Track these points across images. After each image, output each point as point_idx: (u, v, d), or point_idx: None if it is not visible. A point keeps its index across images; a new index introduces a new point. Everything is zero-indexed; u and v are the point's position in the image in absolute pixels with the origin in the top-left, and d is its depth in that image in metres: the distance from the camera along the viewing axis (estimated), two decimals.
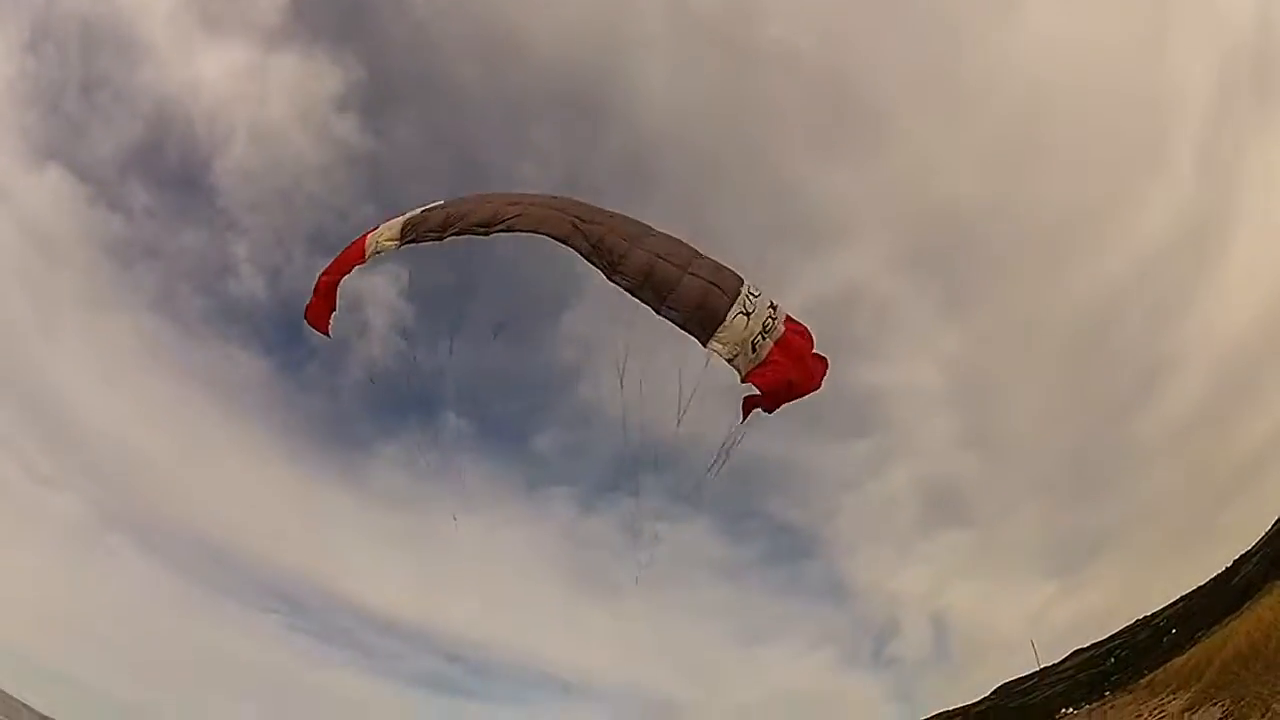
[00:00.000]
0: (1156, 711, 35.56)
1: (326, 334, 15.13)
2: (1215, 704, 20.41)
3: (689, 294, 13.47)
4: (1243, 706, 16.35)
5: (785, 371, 13.52)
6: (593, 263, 13.54)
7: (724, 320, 13.36)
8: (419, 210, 14.51)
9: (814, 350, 14.46)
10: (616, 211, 14.07)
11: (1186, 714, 24.56)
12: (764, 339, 13.50)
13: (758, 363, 13.42)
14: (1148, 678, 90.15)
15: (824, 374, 14.29)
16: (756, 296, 13.75)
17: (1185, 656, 60.45)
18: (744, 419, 13.84)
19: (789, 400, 13.82)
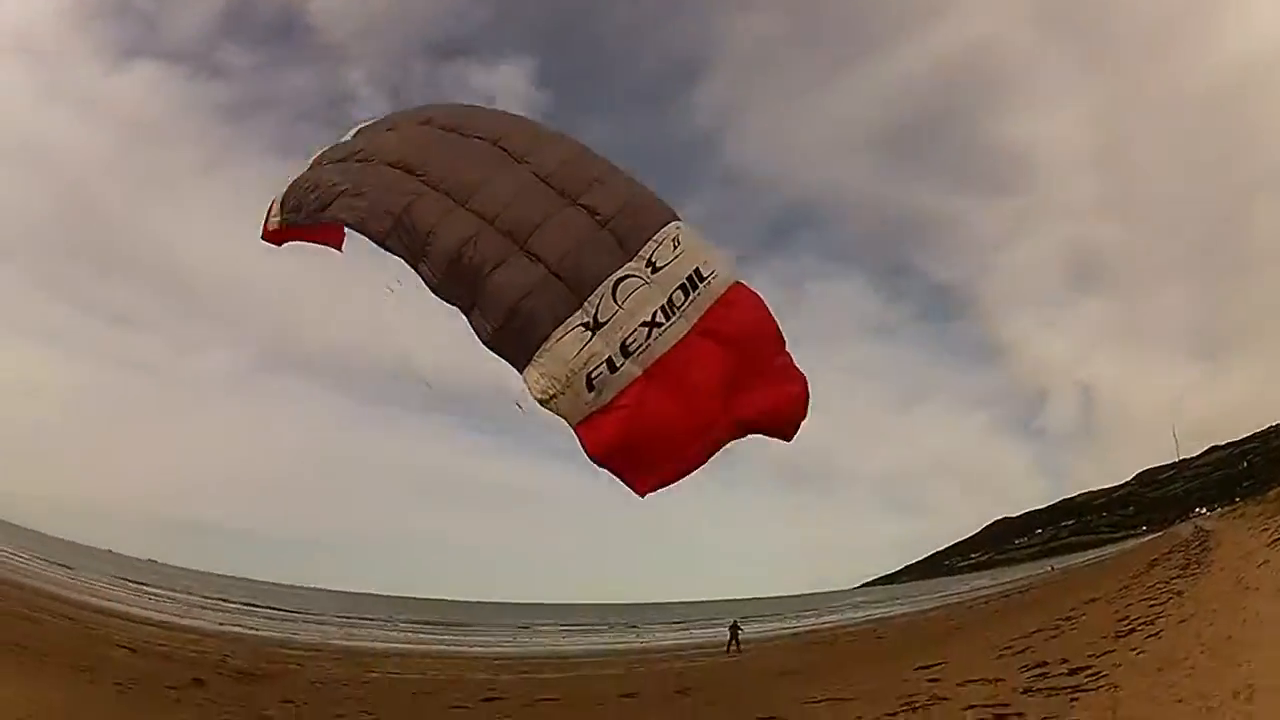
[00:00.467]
0: None
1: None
2: None
3: (502, 293, 7.00)
4: None
5: (628, 426, 6.83)
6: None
7: (546, 339, 6.85)
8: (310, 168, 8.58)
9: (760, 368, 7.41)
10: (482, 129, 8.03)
11: None
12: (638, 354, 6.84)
13: (595, 407, 6.81)
14: (1277, 490, 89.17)
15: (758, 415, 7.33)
16: (646, 276, 7.06)
17: None
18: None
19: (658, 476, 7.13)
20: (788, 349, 7.62)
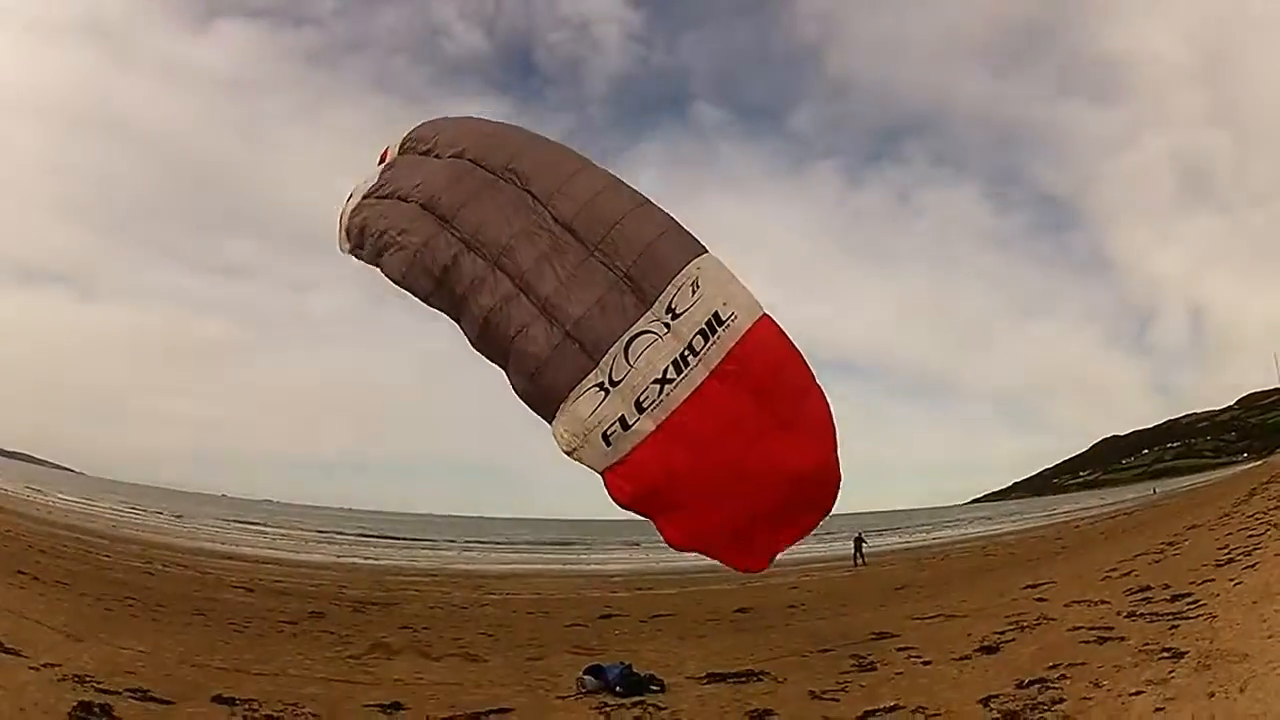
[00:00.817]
0: None
1: None
2: None
3: (523, 361, 7.11)
4: None
5: (645, 479, 6.71)
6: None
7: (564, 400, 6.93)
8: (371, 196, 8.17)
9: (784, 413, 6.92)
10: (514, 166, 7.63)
11: None
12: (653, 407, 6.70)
13: (613, 459, 6.78)
14: None
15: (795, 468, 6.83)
16: (665, 325, 6.86)
17: None
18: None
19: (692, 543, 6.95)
20: (816, 383, 7.15)
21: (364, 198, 8.08)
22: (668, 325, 6.84)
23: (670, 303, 6.86)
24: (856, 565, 46.78)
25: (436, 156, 7.96)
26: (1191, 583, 17.91)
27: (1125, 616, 15.43)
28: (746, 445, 6.75)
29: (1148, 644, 12.56)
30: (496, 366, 7.23)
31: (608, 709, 11.60)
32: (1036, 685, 11.22)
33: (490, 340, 7.15)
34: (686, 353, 6.77)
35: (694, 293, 6.88)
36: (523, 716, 11.11)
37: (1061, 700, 10.30)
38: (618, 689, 12.51)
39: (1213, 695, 9.15)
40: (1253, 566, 18.39)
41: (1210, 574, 18.69)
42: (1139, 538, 37.79)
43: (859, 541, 50.34)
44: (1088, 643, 13.27)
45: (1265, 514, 32.84)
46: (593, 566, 52.82)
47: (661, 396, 6.73)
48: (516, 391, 7.15)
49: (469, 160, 7.73)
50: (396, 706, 11.06)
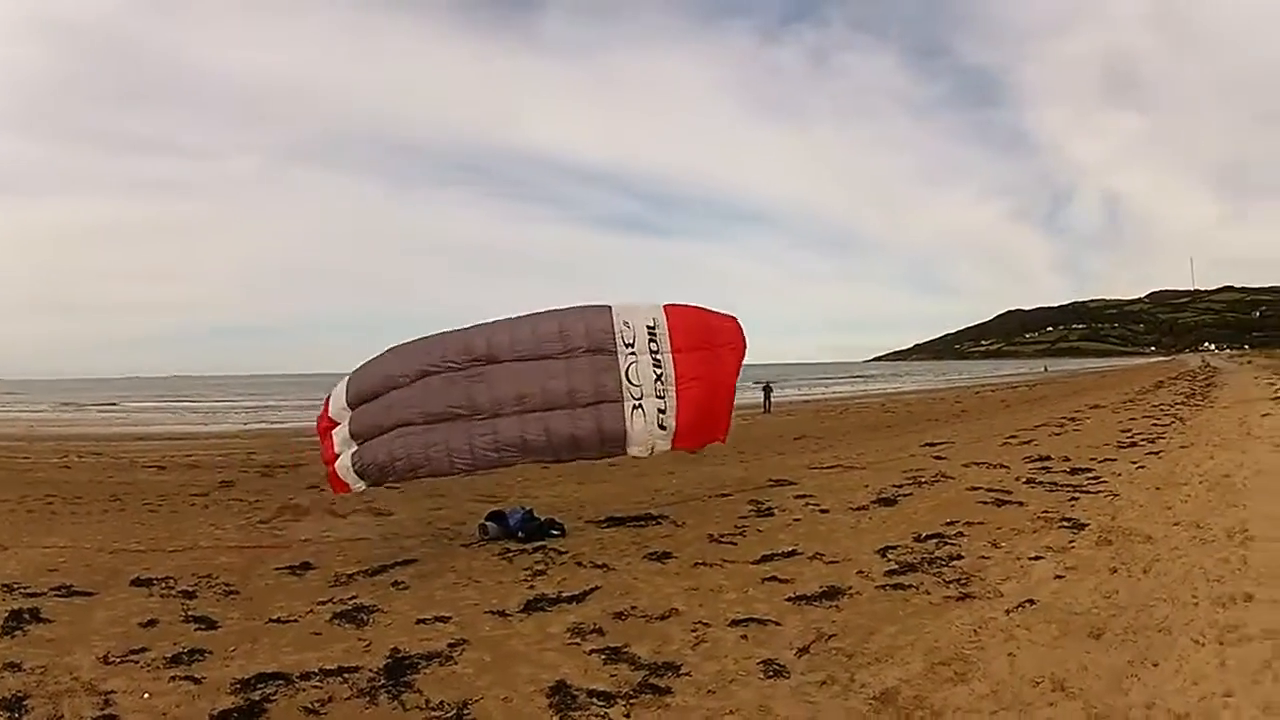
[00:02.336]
0: None
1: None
2: None
3: (579, 444, 11.98)
4: None
5: (700, 423, 12.12)
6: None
7: (626, 432, 11.75)
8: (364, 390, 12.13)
9: (708, 330, 12.58)
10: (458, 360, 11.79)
11: None
12: (665, 392, 11.80)
13: (671, 435, 11.99)
14: None
15: (734, 352, 12.78)
16: (632, 352, 11.77)
17: None
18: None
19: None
20: (707, 308, 12.86)
21: (361, 444, 11.91)
22: (633, 352, 11.68)
23: (625, 340, 11.69)
24: (765, 411, 47.42)
25: (403, 386, 11.77)
26: (1093, 459, 18.32)
27: (1024, 483, 15.65)
28: (709, 372, 12.18)
29: (1047, 512, 12.78)
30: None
31: (510, 554, 11.77)
32: (934, 540, 11.34)
33: (549, 449, 11.88)
34: (653, 358, 11.81)
35: (628, 327, 11.73)
36: (427, 565, 11.24)
37: (959, 557, 10.36)
38: (519, 534, 12.75)
39: (1115, 571, 9.20)
40: (1157, 454, 18.82)
41: (1112, 454, 19.14)
42: (1040, 410, 38.75)
43: (767, 389, 51.45)
44: (985, 504, 13.45)
45: (1171, 406, 33.77)
46: None
47: (663, 386, 11.85)
48: (602, 457, 12.55)
49: (444, 370, 11.63)
50: (306, 566, 11.25)
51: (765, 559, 10.82)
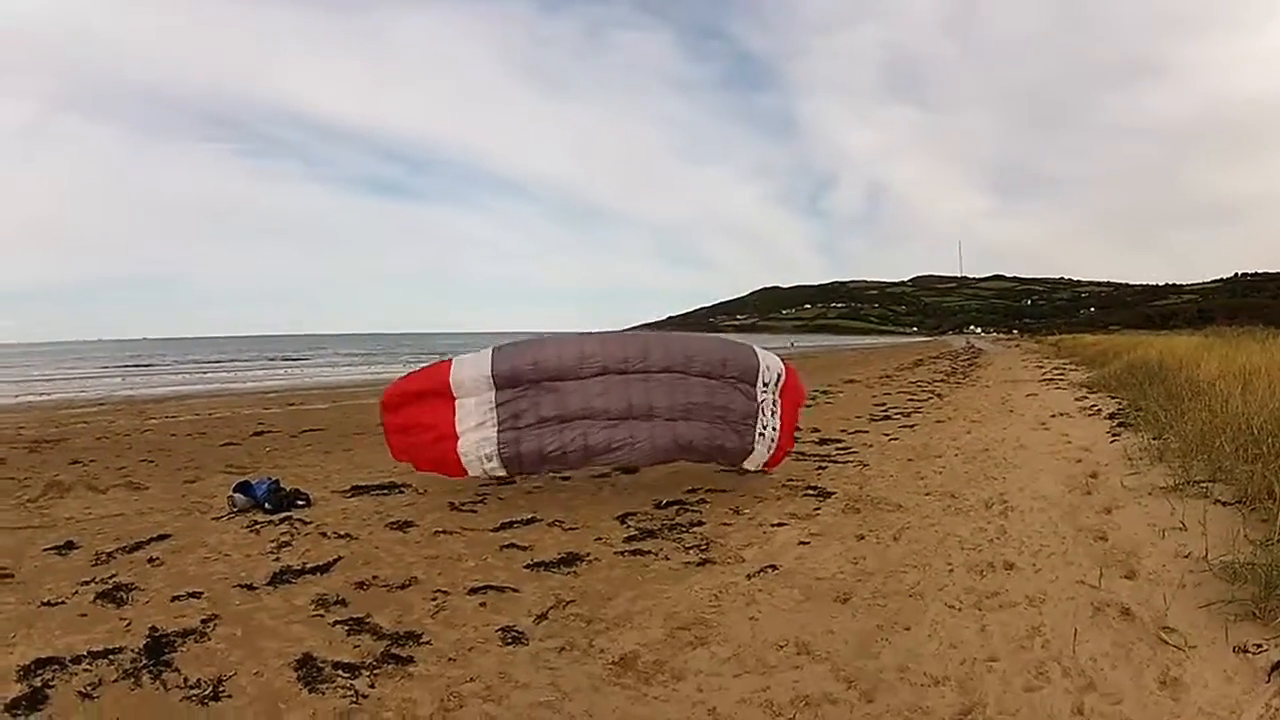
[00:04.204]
0: (1057, 371, 38.37)
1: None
2: (1113, 398, 22.08)
3: (727, 448, 12.64)
4: (1138, 416, 18.16)
5: (787, 444, 13.26)
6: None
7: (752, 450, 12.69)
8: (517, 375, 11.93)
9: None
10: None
11: (1085, 390, 26.57)
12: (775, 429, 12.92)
13: (769, 451, 12.88)
14: (1057, 337, 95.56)
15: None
16: (766, 392, 12.92)
17: (1097, 338, 64.51)
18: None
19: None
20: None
21: (512, 430, 11.93)
22: (766, 392, 12.68)
23: (762, 380, 12.61)
24: None
25: (585, 378, 11.96)
26: (842, 431, 18.70)
27: None
28: (792, 422, 13.13)
29: (792, 480, 13.03)
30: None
31: (257, 526, 11.52)
32: (675, 506, 11.45)
33: (700, 455, 12.50)
34: (773, 402, 12.81)
35: (769, 370, 12.71)
36: (181, 540, 10.83)
37: (701, 523, 10.41)
38: (266, 505, 12.46)
39: (862, 538, 9.27)
40: (911, 427, 19.35)
41: (864, 427, 19.57)
42: None
43: None
44: (728, 472, 13.42)
45: (929, 384, 34.98)
46: (249, 385, 52.58)
47: (775, 424, 12.79)
48: (724, 463, 13.04)
49: (623, 372, 12.01)
50: (70, 545, 10.69)
51: (504, 526, 10.84)
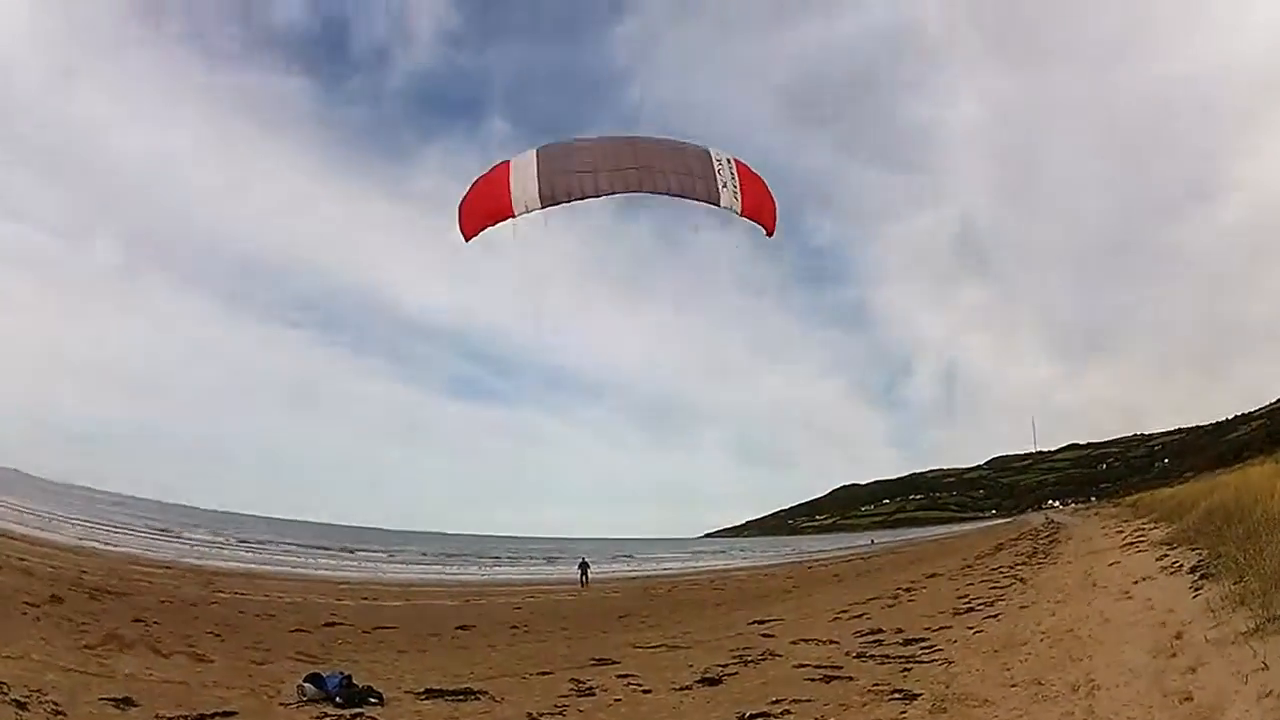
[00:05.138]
0: (1138, 534, 37.68)
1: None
2: (1194, 549, 21.80)
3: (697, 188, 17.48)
4: (1218, 563, 17.64)
5: (759, 207, 17.91)
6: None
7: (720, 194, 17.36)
8: (556, 153, 17.60)
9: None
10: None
11: (1165, 548, 26.14)
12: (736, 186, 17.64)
13: (739, 201, 17.62)
14: (1134, 497, 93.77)
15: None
16: (720, 167, 17.91)
17: (1173, 490, 63.33)
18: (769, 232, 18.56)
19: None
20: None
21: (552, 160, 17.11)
22: (721, 167, 17.34)
23: (716, 160, 17.38)
24: (581, 588, 48.16)
25: (598, 143, 17.76)
26: (927, 628, 18.41)
27: (855, 657, 15.69)
28: (755, 189, 17.60)
29: (878, 684, 12.68)
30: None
31: (327, 718, 11.75)
32: (758, 719, 11.18)
33: (680, 190, 17.02)
34: (730, 173, 17.37)
35: (720, 159, 17.49)
36: None
37: None
38: (337, 699, 12.69)
39: None
40: (995, 616, 18.95)
41: (947, 621, 19.28)
42: (873, 582, 39.10)
43: (584, 566, 54.14)
44: (814, 680, 13.36)
45: (1011, 568, 34.33)
46: (322, 572, 53.14)
47: (735, 183, 17.30)
48: (699, 201, 17.20)
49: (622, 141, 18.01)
50: (129, 702, 10.97)
51: None
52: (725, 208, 17.47)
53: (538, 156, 17.26)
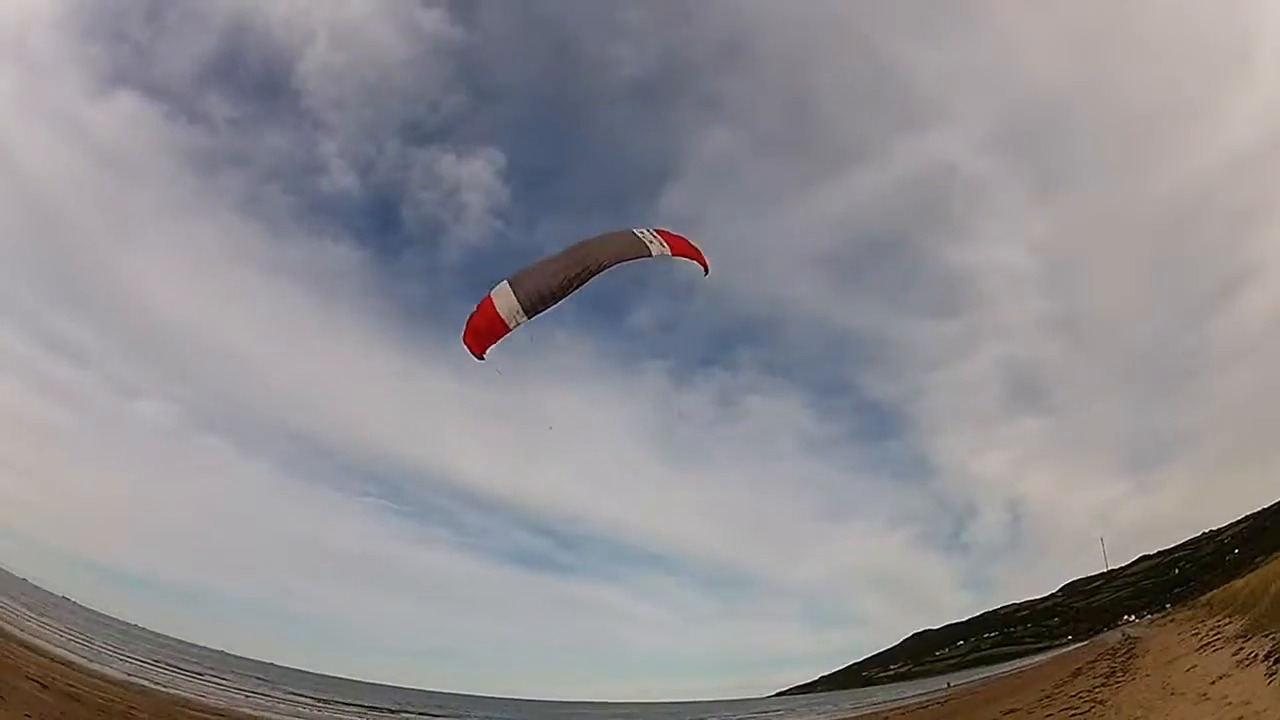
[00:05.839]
0: (1213, 632, 36.64)
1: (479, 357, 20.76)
2: (1268, 635, 21.09)
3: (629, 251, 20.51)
4: None
5: (691, 246, 21.09)
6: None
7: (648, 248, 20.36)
8: (522, 273, 20.60)
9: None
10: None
11: (1240, 640, 25.36)
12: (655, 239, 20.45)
13: (667, 248, 20.60)
14: (1207, 596, 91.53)
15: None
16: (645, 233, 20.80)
17: (1244, 580, 61.80)
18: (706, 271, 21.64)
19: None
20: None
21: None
22: (646, 232, 20.62)
23: (642, 232, 20.61)
24: None
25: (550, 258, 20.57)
26: None
27: None
28: (679, 242, 21.07)
29: None
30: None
31: None
32: None
33: (622, 258, 20.49)
34: (654, 235, 20.68)
35: (646, 232, 20.69)
36: None
37: None
38: None
39: None
40: None
41: None
42: None
43: None
44: None
45: (1090, 692, 33.18)
46: None
47: (659, 240, 20.63)
48: (635, 258, 20.55)
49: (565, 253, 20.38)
50: None
51: None
52: (657, 255, 20.54)
53: (510, 281, 20.32)
